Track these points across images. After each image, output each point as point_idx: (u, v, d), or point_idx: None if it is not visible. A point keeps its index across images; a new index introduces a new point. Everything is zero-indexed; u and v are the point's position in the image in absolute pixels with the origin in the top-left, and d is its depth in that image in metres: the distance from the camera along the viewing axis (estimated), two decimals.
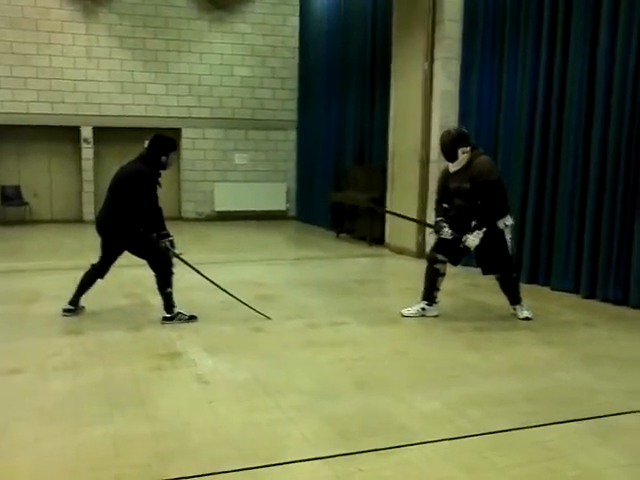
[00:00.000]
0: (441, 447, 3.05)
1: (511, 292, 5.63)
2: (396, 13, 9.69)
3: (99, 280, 5.62)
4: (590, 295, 6.47)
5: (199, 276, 5.74)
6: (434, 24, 8.76)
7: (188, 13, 14.89)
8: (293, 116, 15.60)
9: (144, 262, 5.44)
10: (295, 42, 15.37)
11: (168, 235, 5.48)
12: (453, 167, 5.51)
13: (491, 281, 5.84)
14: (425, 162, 9.00)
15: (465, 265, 6.94)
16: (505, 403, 3.62)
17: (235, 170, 15.49)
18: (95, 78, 14.30)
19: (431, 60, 8.84)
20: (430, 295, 5.66)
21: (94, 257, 5.69)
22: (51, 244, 11.10)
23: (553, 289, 6.92)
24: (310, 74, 14.49)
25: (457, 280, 6.87)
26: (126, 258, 5.61)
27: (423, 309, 5.65)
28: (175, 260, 5.49)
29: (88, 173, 14.45)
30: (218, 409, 3.52)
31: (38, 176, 14.50)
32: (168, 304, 5.38)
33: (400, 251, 9.50)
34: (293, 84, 15.52)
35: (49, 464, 2.87)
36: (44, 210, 14.60)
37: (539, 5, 7.20)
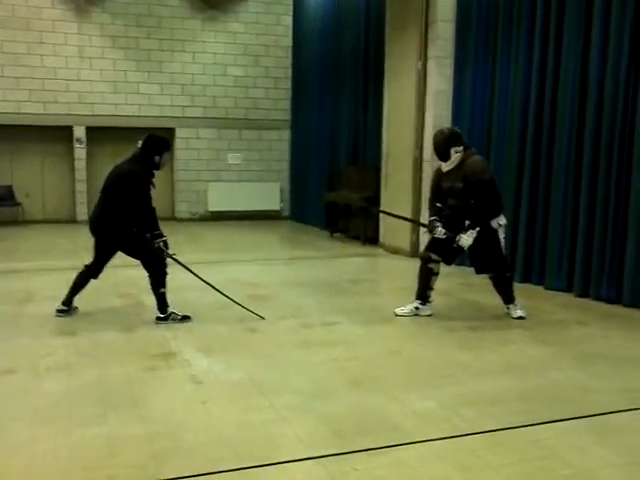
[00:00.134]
0: (435, 446, 3.06)
1: (505, 291, 5.64)
2: (389, 13, 9.70)
3: (93, 280, 5.60)
4: (583, 294, 6.50)
5: (193, 276, 5.73)
6: (427, 24, 8.77)
7: (181, 12, 14.86)
8: (287, 116, 15.59)
9: (138, 262, 5.43)
10: (288, 41, 15.36)
11: (161, 235, 5.46)
12: (446, 167, 5.52)
13: (484, 280, 5.85)
14: (419, 161, 9.01)
15: (459, 264, 6.96)
16: (499, 402, 3.63)
17: (229, 170, 15.47)
18: (88, 78, 14.25)
19: (424, 60, 8.86)
20: (424, 294, 5.66)
21: (87, 257, 5.69)
22: (44, 244, 11.06)
23: (546, 288, 6.94)
24: (303, 73, 14.48)
25: (451, 279, 6.88)
26: (120, 258, 5.60)
27: (417, 308, 5.65)
28: (169, 260, 5.48)
29: (81, 173, 14.40)
30: (212, 409, 3.51)
31: (31, 176, 14.45)
32: (162, 304, 5.37)
33: (394, 250, 9.51)
34: (286, 84, 15.51)
35: (43, 464, 2.86)
36: (37, 210, 14.55)
37: (532, 4, 7.21)
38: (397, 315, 5.65)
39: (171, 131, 14.56)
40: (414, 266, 5.92)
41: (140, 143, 5.39)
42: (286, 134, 15.71)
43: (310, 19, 14.03)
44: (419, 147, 8.98)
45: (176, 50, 14.87)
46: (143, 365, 4.25)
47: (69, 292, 5.55)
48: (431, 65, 8.81)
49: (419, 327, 5.41)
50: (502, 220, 5.49)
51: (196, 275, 5.72)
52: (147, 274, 5.39)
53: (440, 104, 8.75)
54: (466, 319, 5.61)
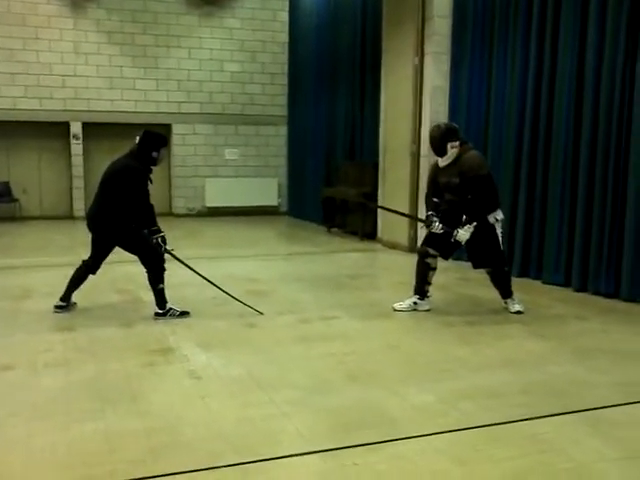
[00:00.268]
0: (434, 440, 3.06)
1: (502, 286, 5.64)
2: (386, 8, 9.68)
3: (91, 276, 5.59)
4: (581, 288, 6.51)
5: (191, 272, 5.72)
6: (424, 20, 8.77)
7: (177, 8, 14.81)
8: (283, 111, 15.57)
9: (136, 258, 5.43)
10: (285, 37, 15.33)
11: (159, 231, 5.45)
12: (443, 162, 5.52)
13: (482, 275, 5.86)
14: (416, 157, 9.01)
15: (456, 259, 6.97)
16: (497, 396, 3.64)
17: (226, 165, 15.45)
18: (84, 74, 14.20)
19: (421, 55, 8.85)
20: (422, 289, 5.67)
21: (85, 253, 5.67)
22: (41, 240, 11.04)
23: (544, 283, 6.95)
24: (300, 69, 14.46)
25: (448, 274, 6.88)
26: (118, 254, 5.59)
27: (415, 303, 5.66)
28: (167, 256, 5.47)
29: (78, 169, 14.37)
30: (211, 404, 3.51)
31: (28, 172, 14.42)
32: (160, 300, 5.37)
33: (392, 246, 9.51)
34: (283, 79, 15.49)
35: (41, 460, 2.86)
36: (34, 206, 14.51)
37: (528, 1, 7.21)
38: (395, 310, 5.65)
39: (168, 127, 14.53)
40: (412, 261, 5.92)
41: (137, 139, 5.38)
42: (283, 130, 15.68)
43: (306, 15, 14.00)
44: (416, 142, 8.98)
45: (172, 46, 14.82)
46: (141, 360, 4.25)
47: (67, 288, 5.54)
48: (428, 61, 8.80)
49: (417, 322, 5.41)
50: (499, 215, 5.49)
51: (194, 271, 5.72)
52: (145, 270, 5.39)
53: (437, 100, 8.75)
54: (464, 314, 5.61)
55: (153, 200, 5.47)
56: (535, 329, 5.11)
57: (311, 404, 3.51)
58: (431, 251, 5.61)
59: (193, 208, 15.24)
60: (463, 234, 5.35)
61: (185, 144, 15.10)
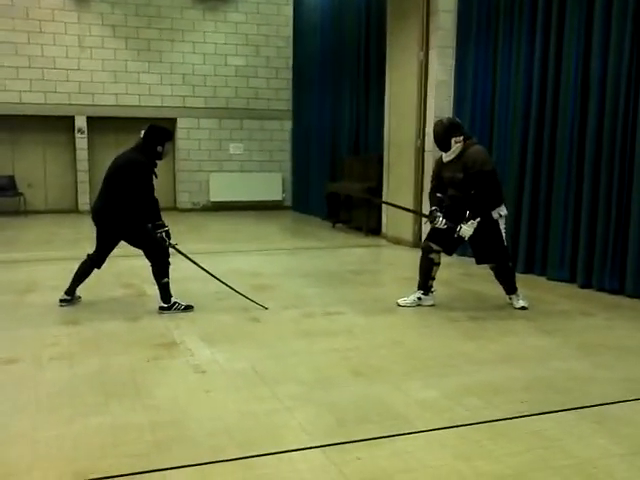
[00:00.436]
0: (438, 435, 3.06)
1: (507, 281, 5.64)
2: (390, 2, 9.66)
3: (96, 270, 5.60)
4: (586, 285, 6.49)
5: (195, 267, 5.73)
6: (428, 14, 8.75)
7: (181, 2, 14.81)
8: (288, 106, 15.56)
9: (140, 252, 5.44)
10: (289, 31, 15.32)
11: (164, 225, 5.45)
12: (446, 157, 5.51)
13: (486, 270, 5.85)
14: (421, 151, 9.00)
15: (460, 255, 6.96)
16: (501, 392, 3.63)
17: (230, 160, 15.46)
18: (88, 67, 14.22)
19: (426, 50, 8.82)
20: (426, 285, 5.66)
21: (90, 247, 5.68)
22: (46, 234, 11.06)
23: (549, 279, 6.94)
24: (304, 63, 14.44)
25: (452, 270, 6.88)
26: (122, 248, 5.60)
27: (419, 299, 5.66)
28: (171, 250, 5.47)
29: (83, 163, 14.41)
30: (216, 398, 3.52)
31: (32, 166, 14.46)
32: (165, 294, 5.37)
33: (397, 241, 9.51)
34: (287, 74, 15.48)
35: (46, 453, 2.86)
36: (39, 200, 14.56)
37: None
38: (399, 305, 5.65)
39: (173, 121, 14.54)
40: (417, 257, 5.91)
41: (142, 133, 5.38)
42: (287, 124, 15.68)
43: (311, 9, 13.98)
44: (421, 137, 8.97)
45: (176, 40, 14.83)
46: (146, 354, 4.26)
47: (72, 282, 5.55)
48: (432, 55, 8.78)
49: (421, 317, 5.41)
50: (503, 210, 5.48)
51: (198, 265, 5.72)
52: (150, 264, 5.40)
53: (441, 94, 8.73)
54: (468, 309, 5.61)
55: (157, 194, 5.47)
56: (540, 325, 5.10)
57: (314, 399, 3.51)
58: (434, 246, 5.60)
59: (198, 202, 15.26)
60: (466, 230, 5.34)
61: (190, 138, 15.12)
